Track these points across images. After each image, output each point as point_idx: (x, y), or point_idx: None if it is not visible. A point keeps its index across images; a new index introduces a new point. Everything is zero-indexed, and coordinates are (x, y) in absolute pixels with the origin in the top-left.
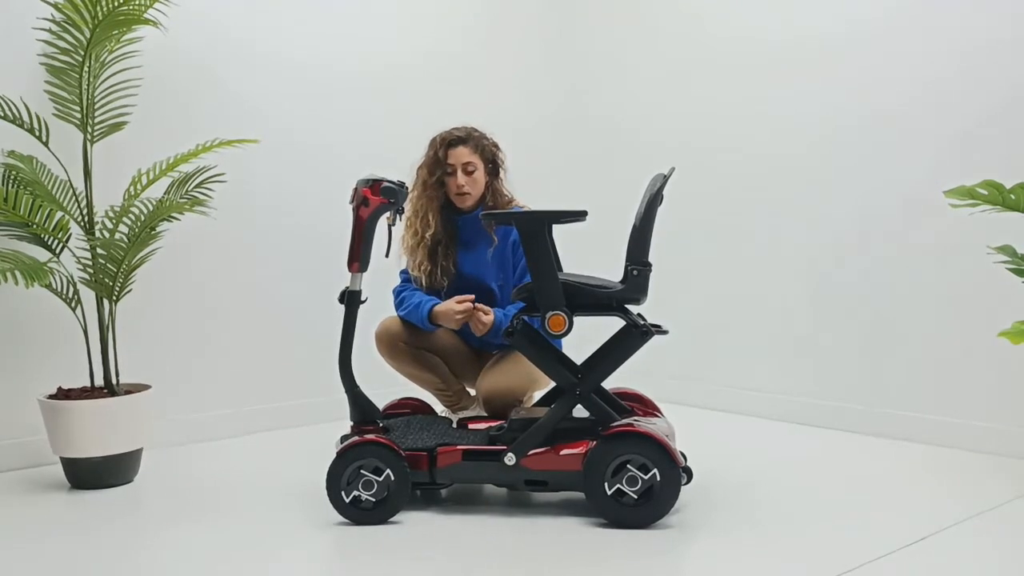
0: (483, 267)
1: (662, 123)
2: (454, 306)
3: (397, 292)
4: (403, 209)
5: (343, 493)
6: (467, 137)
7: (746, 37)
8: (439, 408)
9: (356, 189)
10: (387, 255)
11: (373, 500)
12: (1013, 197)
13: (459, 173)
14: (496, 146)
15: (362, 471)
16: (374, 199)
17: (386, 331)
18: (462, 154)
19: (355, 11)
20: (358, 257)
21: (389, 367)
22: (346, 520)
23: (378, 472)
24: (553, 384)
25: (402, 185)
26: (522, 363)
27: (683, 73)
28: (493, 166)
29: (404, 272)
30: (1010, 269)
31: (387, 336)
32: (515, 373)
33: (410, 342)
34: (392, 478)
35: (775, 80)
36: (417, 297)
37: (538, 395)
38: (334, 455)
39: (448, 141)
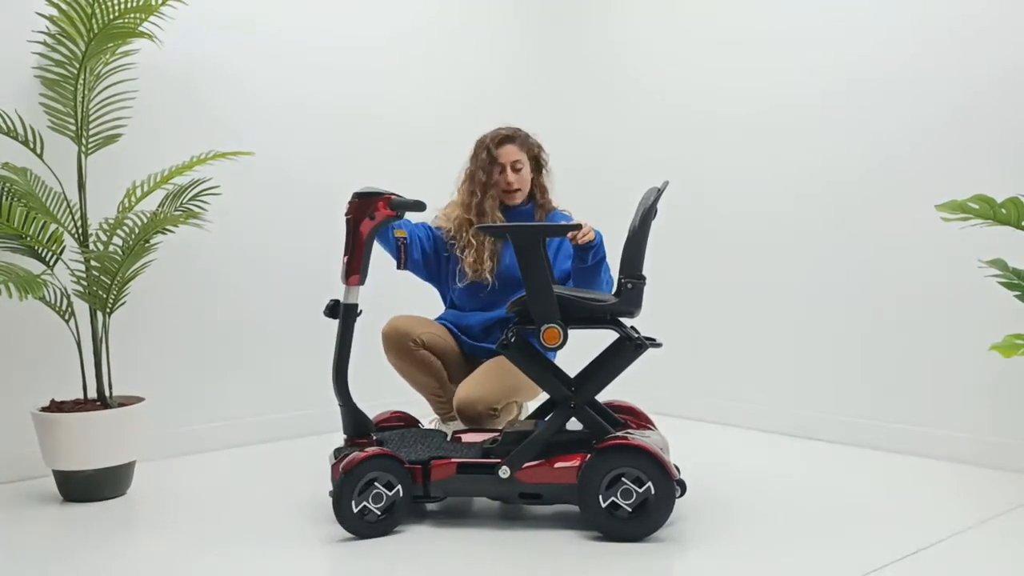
0: None
1: (657, 136)
2: None
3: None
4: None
5: (352, 504)
6: (514, 135)
7: (748, 49)
8: (425, 422)
9: (351, 201)
10: (399, 267)
11: (379, 513)
12: (1004, 211)
13: (508, 171)
14: (540, 145)
15: (375, 484)
16: (383, 212)
17: (395, 330)
18: (511, 152)
19: (351, 28)
20: (358, 269)
21: (389, 365)
22: (345, 532)
23: (389, 486)
24: (539, 394)
25: (418, 203)
26: (500, 373)
27: (679, 84)
28: (537, 163)
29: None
30: (1001, 283)
31: (396, 334)
32: (489, 383)
33: (418, 341)
34: (401, 493)
35: (777, 89)
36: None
37: (532, 408)
38: (336, 468)
39: (497, 140)
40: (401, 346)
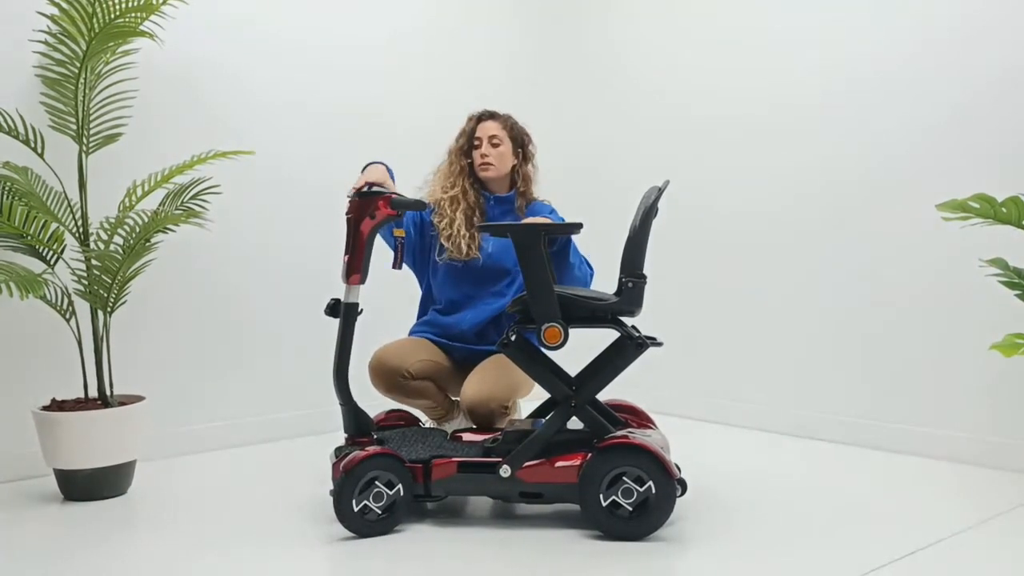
0: (506, 249)
1: (657, 136)
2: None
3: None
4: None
5: (353, 503)
6: (497, 114)
7: (748, 49)
8: (424, 419)
9: (351, 200)
10: (396, 266)
11: (379, 512)
12: (1004, 210)
13: (484, 143)
14: (527, 135)
15: (376, 483)
16: (384, 211)
17: (382, 365)
18: (489, 127)
19: (351, 28)
20: (359, 269)
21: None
22: (346, 531)
23: (390, 485)
24: (535, 388)
25: (418, 203)
26: (502, 369)
27: (679, 84)
28: (523, 152)
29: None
30: (1002, 282)
31: (383, 370)
32: (496, 380)
33: (408, 374)
34: (402, 492)
35: (777, 89)
36: None
37: (531, 408)
38: (336, 467)
39: (479, 115)
40: (391, 382)
